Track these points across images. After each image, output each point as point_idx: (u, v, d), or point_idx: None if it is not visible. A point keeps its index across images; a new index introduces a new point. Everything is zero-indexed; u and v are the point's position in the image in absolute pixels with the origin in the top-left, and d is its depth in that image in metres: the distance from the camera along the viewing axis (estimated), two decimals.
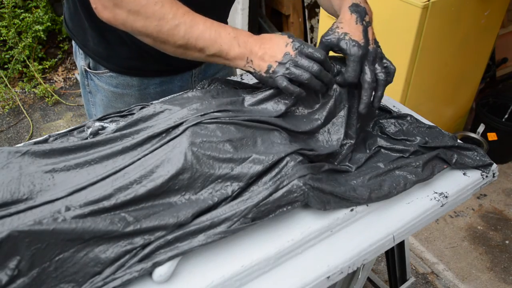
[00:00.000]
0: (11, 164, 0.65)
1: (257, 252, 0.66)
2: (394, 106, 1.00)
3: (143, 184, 0.64)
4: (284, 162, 0.70)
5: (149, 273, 0.60)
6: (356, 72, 0.79)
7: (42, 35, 2.81)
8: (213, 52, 0.78)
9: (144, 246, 0.61)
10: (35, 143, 0.76)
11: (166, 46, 0.80)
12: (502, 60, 2.56)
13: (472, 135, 2.18)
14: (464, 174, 0.84)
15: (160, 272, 0.60)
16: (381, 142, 0.85)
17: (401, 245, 1.22)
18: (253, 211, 0.65)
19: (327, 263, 0.67)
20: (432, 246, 1.95)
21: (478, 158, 0.85)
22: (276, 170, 0.69)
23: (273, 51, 0.78)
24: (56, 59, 3.04)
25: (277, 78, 0.77)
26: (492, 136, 2.21)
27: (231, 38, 0.78)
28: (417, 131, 0.89)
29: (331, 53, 0.84)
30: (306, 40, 2.80)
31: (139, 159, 0.67)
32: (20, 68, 2.86)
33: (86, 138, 0.76)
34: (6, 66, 2.87)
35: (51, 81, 3.00)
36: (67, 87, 2.98)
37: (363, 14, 0.83)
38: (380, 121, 0.90)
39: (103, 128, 0.77)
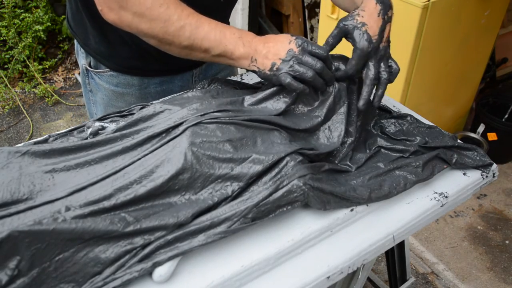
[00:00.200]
0: (11, 164, 0.65)
1: (257, 252, 0.66)
2: (394, 106, 1.00)
3: (143, 184, 0.64)
4: (284, 162, 0.70)
5: (149, 273, 0.60)
6: (358, 66, 0.80)
7: (42, 35, 2.81)
8: (218, 52, 0.79)
9: (144, 246, 0.61)
10: (35, 143, 0.76)
11: (171, 47, 0.80)
12: (502, 60, 2.57)
13: (472, 135, 2.19)
14: (464, 174, 0.84)
15: (160, 272, 0.60)
16: (381, 142, 0.85)
17: (401, 245, 1.22)
18: (253, 211, 0.65)
19: (327, 263, 0.67)
20: (432, 246, 1.95)
21: (478, 158, 0.85)
22: (276, 170, 0.69)
23: (277, 48, 0.78)
24: (56, 59, 3.04)
25: (280, 75, 0.77)
26: (492, 136, 2.21)
27: (236, 38, 0.79)
28: (417, 131, 0.89)
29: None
30: None
31: (139, 159, 0.67)
32: (20, 68, 2.87)
33: (86, 138, 0.76)
34: (6, 66, 2.87)
35: (51, 81, 3.00)
36: (67, 87, 2.98)
37: (387, 7, 0.82)
38: (380, 121, 0.90)
39: (103, 128, 0.77)
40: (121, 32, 0.93)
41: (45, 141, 0.77)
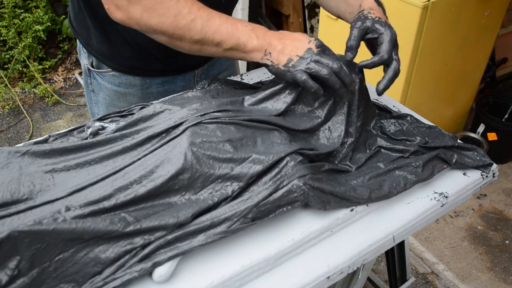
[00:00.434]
0: (11, 164, 0.65)
1: (257, 252, 0.66)
2: (394, 106, 1.00)
3: (143, 184, 0.64)
4: (284, 162, 0.70)
5: (149, 273, 0.60)
6: (389, 52, 0.81)
7: (42, 35, 2.81)
8: (230, 45, 0.77)
9: (144, 246, 0.61)
10: (35, 143, 0.76)
11: (182, 43, 0.78)
12: (502, 60, 2.57)
13: (472, 135, 2.19)
14: (464, 174, 0.84)
15: (160, 272, 0.60)
16: (381, 142, 0.85)
17: (401, 245, 1.22)
18: (253, 211, 0.65)
19: (327, 263, 0.67)
20: (432, 246, 1.95)
21: (478, 158, 0.85)
22: (276, 170, 0.69)
23: (294, 45, 0.78)
24: (56, 59, 3.04)
25: (296, 72, 0.77)
26: (492, 136, 2.21)
27: (248, 31, 0.78)
28: (417, 131, 0.89)
29: None
30: None
31: (139, 159, 0.67)
32: (20, 68, 2.87)
33: (86, 138, 0.76)
34: (6, 66, 2.87)
35: (51, 81, 3.00)
36: (67, 87, 2.98)
37: (384, 11, 0.87)
38: (380, 121, 0.90)
39: (103, 128, 0.77)
40: (123, 32, 0.93)
41: (45, 141, 0.77)
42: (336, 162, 0.81)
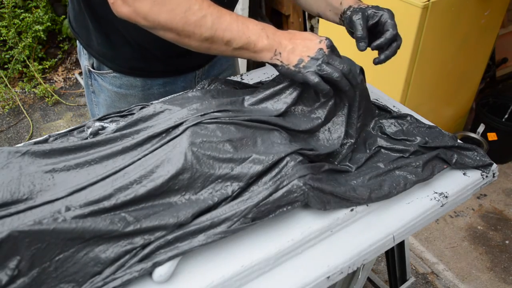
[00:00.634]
0: (11, 164, 0.65)
1: (257, 252, 0.66)
2: (394, 106, 1.00)
3: (143, 184, 0.64)
4: (284, 162, 0.70)
5: (149, 273, 0.60)
6: (396, 27, 0.84)
7: (42, 35, 2.81)
8: (240, 44, 0.76)
9: (144, 246, 0.61)
10: (35, 143, 0.76)
11: (191, 40, 0.76)
12: (502, 60, 2.56)
13: (472, 135, 2.19)
14: (464, 174, 0.84)
15: (160, 272, 0.60)
16: (381, 142, 0.85)
17: (401, 245, 1.22)
18: (253, 211, 0.65)
19: (327, 263, 0.67)
20: (432, 246, 1.95)
21: (478, 158, 0.85)
22: (276, 170, 0.69)
23: (305, 45, 0.78)
24: (56, 59, 3.04)
25: (307, 73, 0.76)
26: (492, 136, 2.21)
27: (259, 30, 0.77)
28: (417, 131, 0.89)
29: None
30: None
31: (139, 159, 0.67)
32: (20, 68, 2.86)
33: (86, 138, 0.76)
34: (6, 66, 2.87)
35: (51, 81, 3.00)
36: (67, 87, 2.98)
37: None
38: (380, 121, 0.90)
39: (103, 128, 0.77)
40: (124, 32, 0.92)
41: (45, 141, 0.77)
42: (336, 162, 0.81)
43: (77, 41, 1.04)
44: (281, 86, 0.81)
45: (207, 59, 1.06)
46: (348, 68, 0.77)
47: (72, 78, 3.05)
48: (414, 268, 1.87)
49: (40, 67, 2.91)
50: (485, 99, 2.35)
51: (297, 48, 0.77)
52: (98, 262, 0.58)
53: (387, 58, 0.85)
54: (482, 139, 2.14)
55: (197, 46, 0.77)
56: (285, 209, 0.68)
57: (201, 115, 0.72)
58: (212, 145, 0.69)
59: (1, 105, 2.76)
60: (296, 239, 0.68)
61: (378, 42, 0.83)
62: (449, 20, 1.75)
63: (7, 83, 2.81)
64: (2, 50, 2.87)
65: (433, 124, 0.92)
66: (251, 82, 1.01)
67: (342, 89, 0.78)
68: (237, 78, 1.09)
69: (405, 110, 0.99)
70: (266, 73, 1.11)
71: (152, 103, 0.82)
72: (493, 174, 0.86)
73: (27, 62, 2.86)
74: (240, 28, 0.75)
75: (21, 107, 2.76)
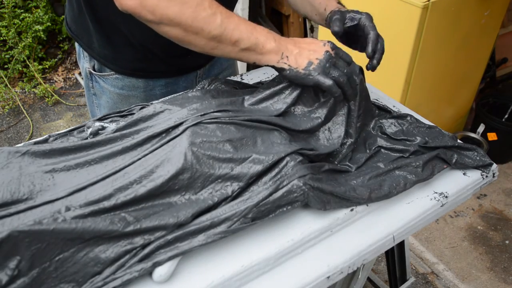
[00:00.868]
0: (11, 164, 0.65)
1: (257, 252, 0.66)
2: (394, 106, 1.00)
3: (143, 184, 0.64)
4: (284, 162, 0.70)
5: (149, 273, 0.60)
6: (375, 28, 0.86)
7: (42, 35, 2.81)
8: (248, 45, 0.75)
9: (144, 246, 0.61)
10: (35, 143, 0.76)
11: (198, 37, 0.74)
12: (502, 60, 2.56)
13: (472, 135, 2.19)
14: (464, 174, 0.84)
15: (160, 272, 0.60)
16: (381, 142, 0.85)
17: (401, 245, 1.22)
18: (253, 211, 0.65)
19: (327, 263, 0.67)
20: (432, 246, 1.95)
21: (478, 158, 0.85)
22: (276, 170, 0.69)
23: (311, 48, 0.78)
24: (56, 59, 3.04)
25: (318, 76, 0.76)
26: (492, 136, 2.21)
27: (266, 33, 0.77)
28: (417, 131, 0.89)
29: None
30: None
31: (139, 159, 0.67)
32: (20, 68, 2.87)
33: (86, 138, 0.76)
34: (6, 66, 2.87)
35: (51, 81, 3.00)
36: (67, 87, 2.98)
37: None
38: (380, 121, 0.90)
39: (103, 128, 0.77)
40: (126, 33, 0.92)
41: (45, 141, 0.77)
42: (336, 162, 0.81)
43: (76, 44, 1.03)
44: (281, 86, 0.81)
45: (208, 58, 1.06)
46: (350, 71, 0.78)
47: (72, 78, 3.05)
48: (414, 268, 1.87)
49: (40, 67, 2.91)
50: (485, 99, 2.35)
51: (303, 52, 0.77)
52: (98, 262, 0.58)
53: (379, 60, 0.86)
54: (482, 139, 2.14)
55: (203, 45, 0.75)
56: (285, 209, 0.68)
57: (201, 115, 0.72)
58: (212, 145, 0.69)
59: (1, 105, 2.76)
60: (296, 239, 0.68)
61: (370, 48, 0.84)
62: (449, 20, 1.75)
63: (7, 83, 2.81)
64: (2, 50, 2.87)
65: (433, 124, 0.92)
66: (251, 82, 1.01)
67: (345, 92, 0.79)
68: (237, 78, 1.09)
69: (405, 110, 0.99)
70: (266, 73, 1.11)
71: (152, 103, 0.82)
72: (493, 174, 0.86)
73: (27, 62, 2.86)
74: (249, 28, 0.75)
75: (21, 107, 2.76)
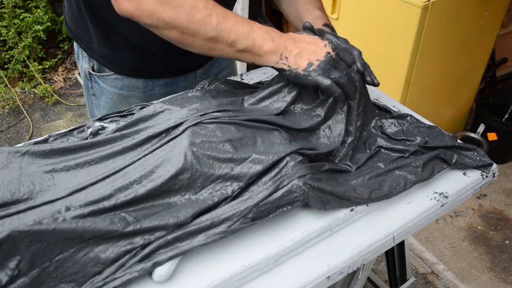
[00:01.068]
0: (11, 164, 0.65)
1: (257, 252, 0.66)
2: (394, 106, 1.00)
3: (143, 184, 0.64)
4: (284, 162, 0.70)
5: (149, 273, 0.60)
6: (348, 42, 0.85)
7: (42, 35, 2.80)
8: (245, 46, 0.75)
9: (144, 246, 0.61)
10: (35, 143, 0.76)
11: (194, 39, 0.74)
12: (502, 60, 2.56)
13: (472, 135, 2.18)
14: (464, 174, 0.84)
15: (160, 272, 0.60)
16: (381, 142, 0.85)
17: (401, 245, 1.22)
18: (253, 211, 0.65)
19: (327, 263, 0.67)
20: (432, 246, 1.95)
21: (478, 158, 0.85)
22: (276, 170, 0.69)
23: (312, 49, 0.77)
24: (56, 59, 3.04)
25: (318, 77, 0.76)
26: (492, 136, 2.21)
27: (263, 33, 0.76)
28: (417, 131, 0.89)
29: None
30: None
31: (139, 159, 0.67)
32: (20, 68, 2.86)
33: (86, 138, 0.76)
34: (6, 66, 2.87)
35: (51, 81, 3.00)
36: (67, 87, 2.98)
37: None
38: (380, 121, 0.90)
39: (103, 128, 0.77)
40: (126, 34, 0.92)
41: (45, 141, 0.77)
42: (336, 161, 0.81)
43: (75, 44, 1.03)
44: (280, 84, 0.81)
45: (207, 58, 1.06)
46: (351, 71, 0.78)
47: (72, 78, 3.05)
48: (414, 268, 1.87)
49: (40, 67, 2.91)
50: (485, 99, 2.35)
51: (303, 52, 0.77)
52: (98, 262, 0.58)
53: (372, 75, 0.84)
54: (482, 139, 2.13)
55: (200, 46, 0.76)
56: (285, 209, 0.68)
57: (201, 115, 0.72)
58: (212, 145, 0.69)
59: (1, 105, 2.76)
60: (296, 239, 0.68)
61: (359, 65, 0.82)
62: (449, 20, 1.75)
63: (7, 83, 2.81)
64: (2, 50, 2.87)
65: (433, 124, 0.92)
66: (251, 82, 1.01)
67: (346, 92, 0.79)
68: (237, 78, 1.09)
69: (405, 110, 0.99)
70: (266, 73, 1.11)
71: (152, 103, 0.82)
72: (493, 174, 0.86)
73: (27, 62, 2.86)
74: (246, 29, 0.75)
75: (21, 107, 2.76)
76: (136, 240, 0.61)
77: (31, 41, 2.81)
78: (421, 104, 1.96)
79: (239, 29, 0.74)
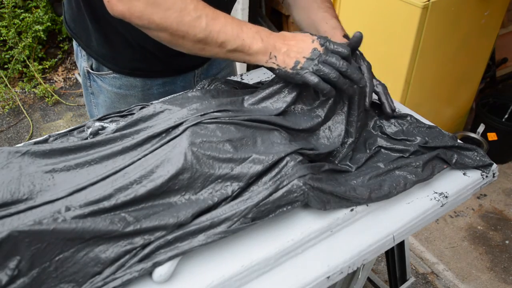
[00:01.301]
0: (11, 164, 0.65)
1: (257, 252, 0.66)
2: None
3: (143, 184, 0.64)
4: (284, 162, 0.70)
5: (149, 273, 0.60)
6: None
7: (42, 35, 2.80)
8: (234, 46, 0.76)
9: (144, 246, 0.61)
10: (35, 143, 0.76)
11: (184, 41, 0.76)
12: (502, 60, 2.56)
13: (472, 135, 2.18)
14: (464, 174, 0.84)
15: (160, 272, 0.60)
16: (381, 142, 0.85)
17: (401, 245, 1.22)
18: (253, 211, 0.65)
19: (327, 263, 0.67)
20: (432, 246, 1.95)
21: (478, 158, 0.85)
22: (276, 170, 0.69)
23: (300, 47, 0.77)
24: (56, 59, 3.04)
25: (306, 74, 0.76)
26: (492, 136, 2.21)
27: (253, 33, 0.76)
28: (417, 131, 0.89)
29: None
30: None
31: (139, 159, 0.67)
32: (20, 68, 2.86)
33: (86, 138, 0.76)
34: (6, 66, 2.87)
35: (51, 81, 3.00)
36: (67, 87, 2.98)
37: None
38: (380, 121, 0.90)
39: (103, 128, 0.77)
40: (124, 33, 0.92)
41: (45, 141, 0.77)
42: (336, 162, 0.81)
43: (74, 43, 1.03)
44: (280, 85, 0.81)
45: (206, 58, 1.06)
46: (345, 66, 0.76)
47: (72, 78, 3.05)
48: (414, 268, 1.87)
49: (40, 67, 2.91)
50: (485, 99, 2.35)
51: (291, 50, 0.77)
52: (98, 262, 0.58)
53: (389, 98, 0.89)
54: (482, 139, 2.13)
55: (190, 47, 0.77)
56: (285, 209, 0.68)
57: (201, 115, 0.72)
58: (212, 145, 0.69)
59: (1, 105, 2.76)
60: (296, 239, 0.68)
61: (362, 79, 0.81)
62: (449, 20, 1.75)
63: (7, 83, 2.81)
64: (2, 50, 2.87)
65: (433, 124, 0.92)
66: (251, 82, 1.01)
67: (340, 88, 0.77)
68: (237, 78, 1.09)
69: (405, 110, 0.99)
70: (266, 73, 1.11)
71: (152, 103, 0.82)
72: (493, 174, 0.86)
73: (27, 62, 2.86)
74: (235, 30, 0.75)
75: (21, 107, 2.76)
76: (136, 240, 0.61)
77: (31, 41, 2.81)
78: (421, 104, 1.96)
79: (229, 30, 0.75)
